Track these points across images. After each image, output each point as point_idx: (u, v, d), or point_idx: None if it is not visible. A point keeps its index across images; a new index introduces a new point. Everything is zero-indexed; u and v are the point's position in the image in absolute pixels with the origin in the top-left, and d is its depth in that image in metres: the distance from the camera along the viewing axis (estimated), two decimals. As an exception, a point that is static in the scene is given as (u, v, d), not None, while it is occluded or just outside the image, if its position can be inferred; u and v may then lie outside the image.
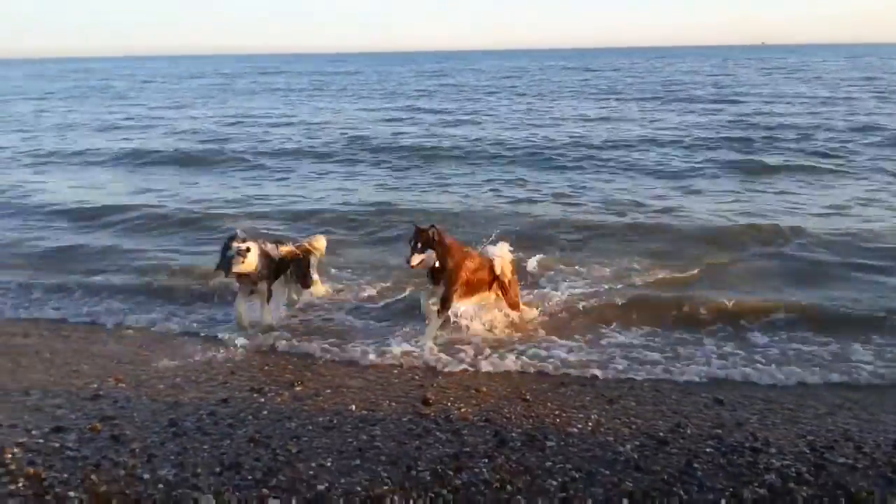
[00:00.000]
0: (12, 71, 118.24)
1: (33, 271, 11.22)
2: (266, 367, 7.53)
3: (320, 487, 5.04)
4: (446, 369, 7.41)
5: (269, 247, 8.53)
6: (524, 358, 7.62)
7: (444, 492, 4.98)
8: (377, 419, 6.18)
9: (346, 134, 27.23)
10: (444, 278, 7.67)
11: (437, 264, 7.50)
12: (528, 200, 15.76)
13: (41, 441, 5.76)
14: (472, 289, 7.93)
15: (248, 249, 7.99)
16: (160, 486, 5.05)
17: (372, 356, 7.75)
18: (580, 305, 9.04)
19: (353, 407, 6.44)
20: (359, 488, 5.04)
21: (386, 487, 5.05)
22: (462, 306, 8.09)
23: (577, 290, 9.59)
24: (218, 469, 5.30)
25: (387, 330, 8.53)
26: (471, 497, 4.91)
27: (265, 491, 4.99)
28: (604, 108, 36.41)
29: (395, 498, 4.91)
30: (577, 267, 10.60)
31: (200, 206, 15.79)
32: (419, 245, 7.41)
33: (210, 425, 6.05)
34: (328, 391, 6.86)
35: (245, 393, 6.77)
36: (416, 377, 7.28)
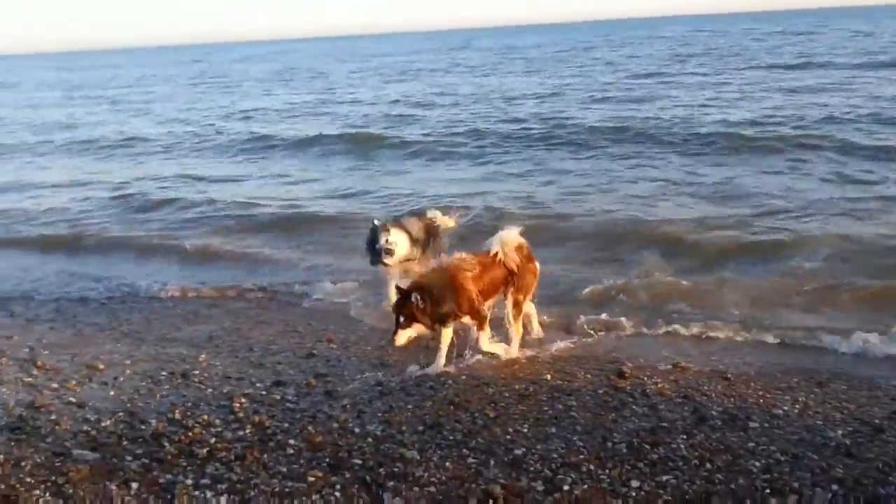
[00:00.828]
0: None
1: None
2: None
3: (517, 452, 5.23)
4: (641, 343, 7.40)
5: (413, 225, 8.42)
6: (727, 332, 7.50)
7: (641, 465, 5.01)
8: (572, 389, 6.29)
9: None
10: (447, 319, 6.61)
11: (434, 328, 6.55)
12: None
13: (264, 393, 6.39)
14: (486, 295, 6.79)
15: (395, 243, 7.98)
16: (369, 439, 5.46)
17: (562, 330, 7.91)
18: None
19: (549, 377, 6.59)
20: (555, 455, 5.18)
21: (581, 456, 5.16)
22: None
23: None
24: (421, 428, 5.64)
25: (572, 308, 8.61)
26: (668, 472, 4.91)
27: (465, 451, 5.26)
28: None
29: (591, 467, 5.01)
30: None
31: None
32: (402, 320, 6.36)
33: (413, 387, 6.44)
34: (524, 360, 7.06)
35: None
36: (611, 350, 7.31)
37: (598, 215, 12.30)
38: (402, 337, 6.36)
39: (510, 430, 5.58)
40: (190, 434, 5.56)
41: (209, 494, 4.76)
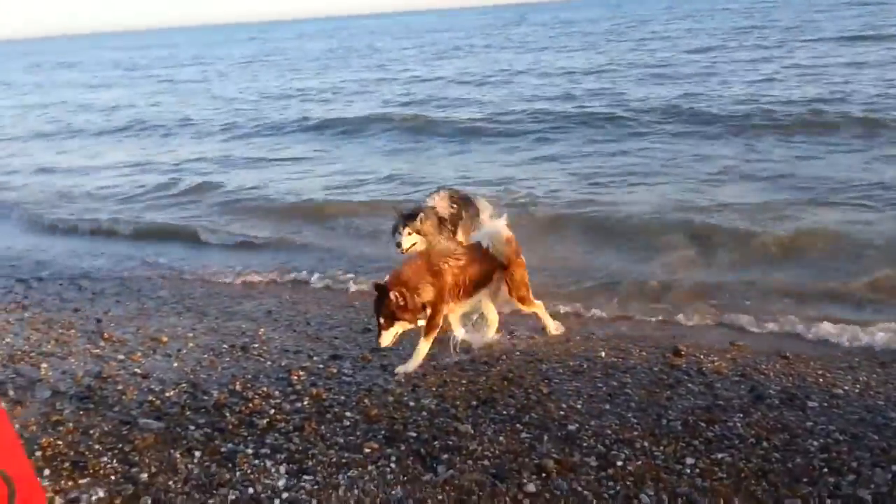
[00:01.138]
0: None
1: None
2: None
3: (571, 427, 5.26)
4: (694, 322, 7.33)
5: (440, 206, 8.21)
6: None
7: (696, 442, 4.99)
8: (627, 367, 6.28)
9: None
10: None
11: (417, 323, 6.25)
12: None
13: (321, 366, 6.53)
14: (468, 289, 6.46)
15: (409, 240, 7.77)
16: (423, 413, 5.55)
17: (616, 309, 7.93)
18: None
19: (603, 354, 6.59)
20: (609, 431, 5.19)
21: (636, 433, 5.16)
22: (463, 309, 6.71)
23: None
24: (474, 403, 5.71)
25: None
26: (723, 450, 4.89)
27: (518, 426, 5.31)
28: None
29: (645, 444, 5.01)
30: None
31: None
32: (383, 321, 6.08)
33: (467, 362, 6.50)
34: (578, 338, 7.08)
35: (497, 335, 7.16)
36: (666, 332, 7.28)
37: (652, 202, 11.87)
38: (387, 338, 6.05)
39: (563, 405, 5.60)
40: (250, 405, 5.73)
41: (269, 463, 4.90)
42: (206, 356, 6.82)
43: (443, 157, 17.40)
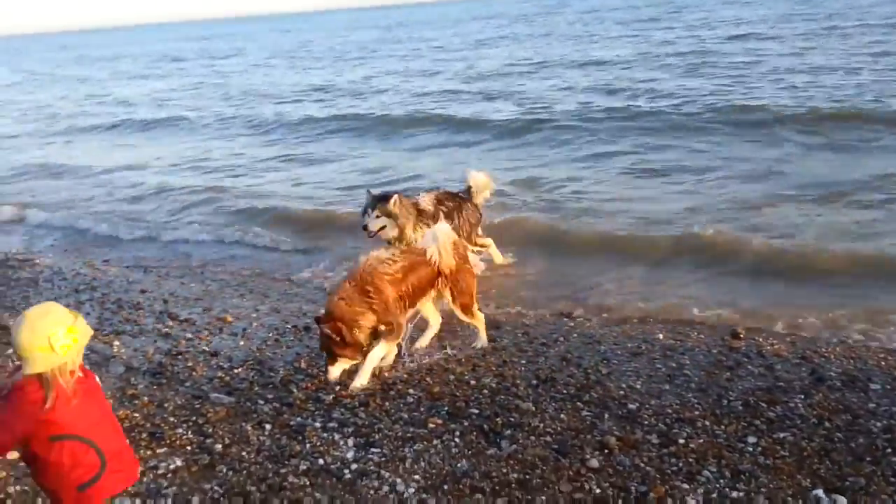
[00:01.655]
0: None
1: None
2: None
3: (631, 406, 5.35)
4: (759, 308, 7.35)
5: (425, 205, 7.99)
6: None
7: (757, 422, 5.05)
8: (685, 349, 6.34)
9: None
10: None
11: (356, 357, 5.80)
12: None
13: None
14: (412, 298, 6.10)
15: (378, 219, 7.69)
16: (485, 391, 5.69)
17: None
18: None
19: (661, 336, 6.66)
20: (669, 410, 5.28)
21: (696, 412, 5.24)
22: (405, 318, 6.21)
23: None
24: (535, 382, 5.83)
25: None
26: (785, 429, 4.94)
27: (579, 404, 5.42)
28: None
29: (706, 423, 5.09)
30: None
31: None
32: (327, 356, 5.80)
33: (525, 343, 6.62)
34: (635, 320, 7.15)
35: (555, 317, 7.27)
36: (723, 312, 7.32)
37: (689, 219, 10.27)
38: (334, 372, 5.72)
39: (623, 385, 5.70)
40: (316, 381, 5.93)
41: (337, 436, 5.09)
42: (270, 335, 7.04)
43: (478, 159, 15.48)
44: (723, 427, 5.03)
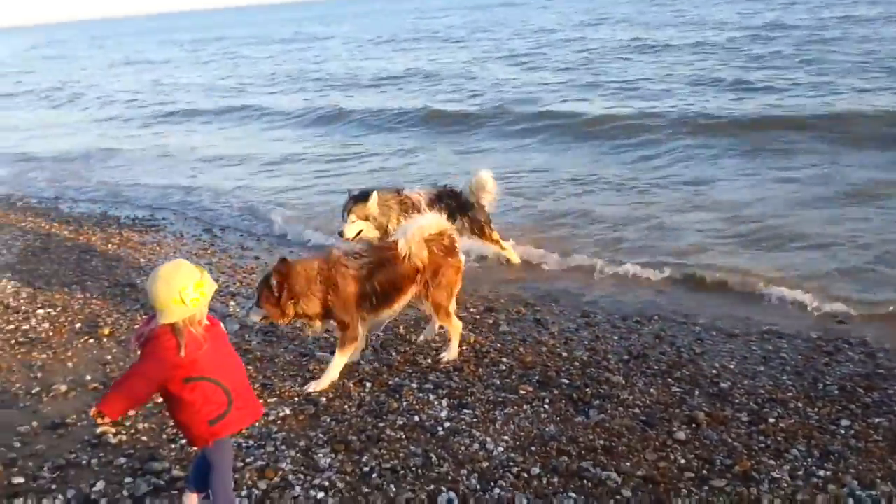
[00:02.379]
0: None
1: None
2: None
3: (723, 385, 5.43)
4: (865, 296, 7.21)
5: (412, 194, 7.59)
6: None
7: (852, 406, 5.05)
8: (784, 333, 6.34)
9: None
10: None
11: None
12: None
13: (478, 317, 6.96)
14: (386, 299, 5.76)
15: (354, 224, 7.31)
16: (576, 363, 5.87)
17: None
18: None
19: (759, 318, 6.66)
20: (761, 391, 5.33)
21: (790, 394, 5.27)
22: (378, 319, 5.97)
23: None
24: (626, 357, 5.97)
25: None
26: (881, 415, 4.93)
27: (669, 380, 5.53)
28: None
29: (799, 405, 5.12)
30: None
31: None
32: (257, 297, 5.54)
33: (618, 320, 6.76)
34: (732, 302, 7.18)
35: (650, 297, 7.36)
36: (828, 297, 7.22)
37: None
38: (254, 316, 5.55)
39: (716, 365, 5.77)
40: (413, 346, 6.25)
41: (432, 397, 5.39)
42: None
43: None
44: (816, 409, 5.05)
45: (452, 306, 6.05)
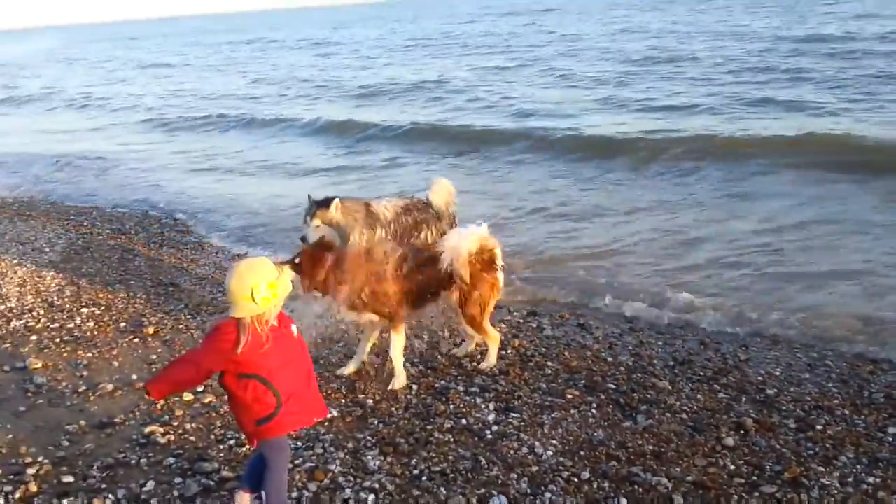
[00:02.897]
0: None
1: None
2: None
3: (769, 392, 5.51)
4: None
5: (379, 207, 7.38)
6: None
7: (900, 414, 5.13)
8: (828, 339, 6.43)
9: None
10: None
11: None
12: None
13: (521, 321, 7.09)
14: (416, 298, 5.80)
15: (318, 229, 7.09)
16: (621, 368, 5.98)
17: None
18: None
19: (803, 327, 6.74)
20: (808, 398, 5.41)
21: (836, 402, 5.35)
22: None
23: None
24: (671, 363, 6.06)
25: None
26: (929, 423, 5.00)
27: (716, 386, 5.62)
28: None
29: (846, 412, 5.19)
30: None
31: None
32: (297, 262, 5.43)
33: (663, 326, 6.87)
34: (778, 310, 7.25)
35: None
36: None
37: None
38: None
39: (762, 371, 5.85)
40: (458, 348, 6.38)
41: (478, 400, 5.51)
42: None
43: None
44: (862, 417, 5.12)
45: (487, 320, 6.01)
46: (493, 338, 6.07)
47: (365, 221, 7.19)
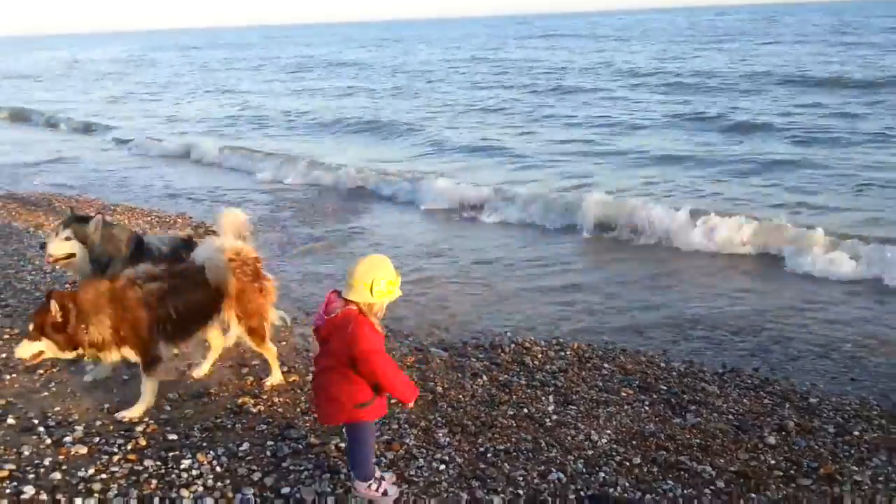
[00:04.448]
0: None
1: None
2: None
3: (812, 400, 6.05)
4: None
5: (153, 240, 6.94)
6: None
7: (936, 427, 5.64)
8: (870, 356, 6.97)
9: None
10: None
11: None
12: None
13: (579, 325, 7.73)
14: (181, 326, 5.59)
15: (64, 242, 6.50)
16: (673, 373, 6.57)
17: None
18: None
19: (849, 345, 7.25)
20: (848, 407, 5.94)
21: (875, 412, 5.87)
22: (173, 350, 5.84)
23: None
24: (720, 370, 6.64)
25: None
26: (963, 435, 5.50)
27: (762, 393, 6.18)
28: None
29: (883, 422, 5.71)
30: None
31: None
32: (32, 329, 5.15)
33: (718, 335, 7.46)
34: (825, 322, 7.80)
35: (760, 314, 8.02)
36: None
37: None
38: (26, 350, 5.12)
39: (807, 382, 6.41)
40: (520, 348, 7.04)
41: (539, 393, 6.14)
42: (479, 305, 8.25)
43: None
44: (897, 428, 5.65)
45: (268, 331, 5.99)
46: (272, 353, 6.09)
47: (131, 255, 6.53)
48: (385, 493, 4.51)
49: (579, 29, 77.63)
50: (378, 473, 4.57)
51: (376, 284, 4.07)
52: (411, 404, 4.36)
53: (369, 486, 4.48)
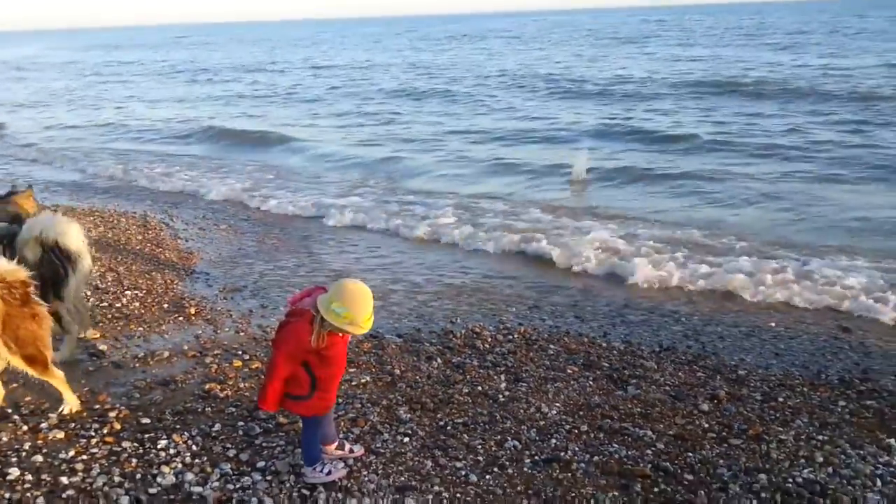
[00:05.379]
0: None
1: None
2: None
3: (741, 372, 6.66)
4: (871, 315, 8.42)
5: None
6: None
7: (849, 392, 6.27)
8: (796, 334, 7.63)
9: None
10: None
11: None
12: None
13: (527, 311, 8.24)
14: None
15: None
16: (614, 351, 7.11)
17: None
18: None
19: (773, 324, 7.93)
20: (773, 378, 6.55)
21: (797, 381, 6.50)
22: None
23: None
24: (657, 349, 7.21)
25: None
26: (872, 399, 6.16)
27: (695, 368, 6.77)
28: None
29: (804, 389, 6.35)
30: None
31: None
32: None
33: (655, 317, 8.07)
34: (752, 308, 8.46)
35: (676, 305, 8.63)
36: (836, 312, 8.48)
37: None
38: None
39: (735, 357, 7.02)
40: (471, 333, 7.50)
41: (491, 373, 6.60)
42: (430, 295, 8.68)
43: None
44: (818, 393, 6.27)
45: (49, 356, 5.49)
46: (60, 378, 5.64)
47: None
48: (329, 473, 4.90)
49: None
50: (344, 449, 5.16)
51: (336, 307, 4.27)
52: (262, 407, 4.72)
53: (314, 469, 4.90)
